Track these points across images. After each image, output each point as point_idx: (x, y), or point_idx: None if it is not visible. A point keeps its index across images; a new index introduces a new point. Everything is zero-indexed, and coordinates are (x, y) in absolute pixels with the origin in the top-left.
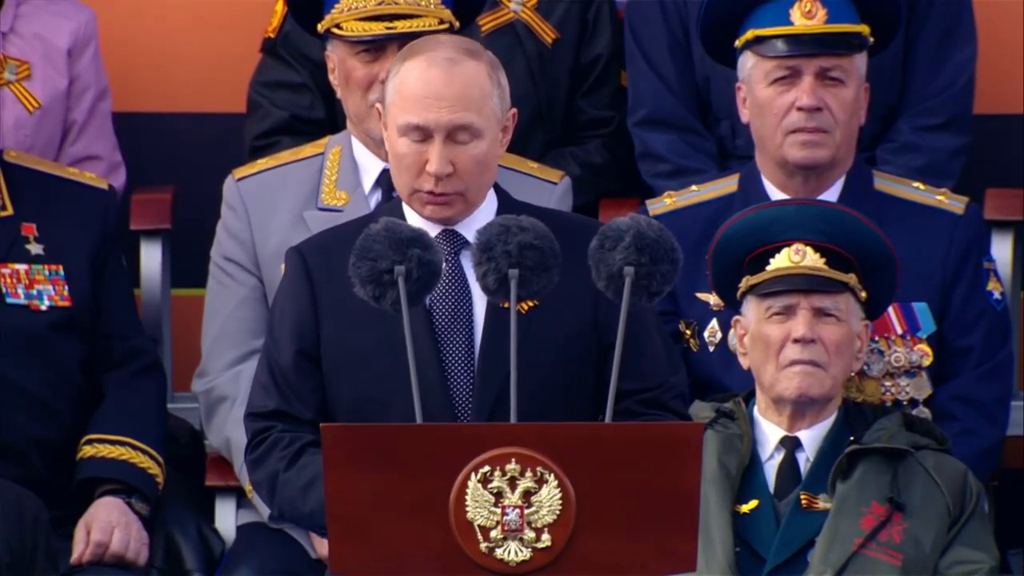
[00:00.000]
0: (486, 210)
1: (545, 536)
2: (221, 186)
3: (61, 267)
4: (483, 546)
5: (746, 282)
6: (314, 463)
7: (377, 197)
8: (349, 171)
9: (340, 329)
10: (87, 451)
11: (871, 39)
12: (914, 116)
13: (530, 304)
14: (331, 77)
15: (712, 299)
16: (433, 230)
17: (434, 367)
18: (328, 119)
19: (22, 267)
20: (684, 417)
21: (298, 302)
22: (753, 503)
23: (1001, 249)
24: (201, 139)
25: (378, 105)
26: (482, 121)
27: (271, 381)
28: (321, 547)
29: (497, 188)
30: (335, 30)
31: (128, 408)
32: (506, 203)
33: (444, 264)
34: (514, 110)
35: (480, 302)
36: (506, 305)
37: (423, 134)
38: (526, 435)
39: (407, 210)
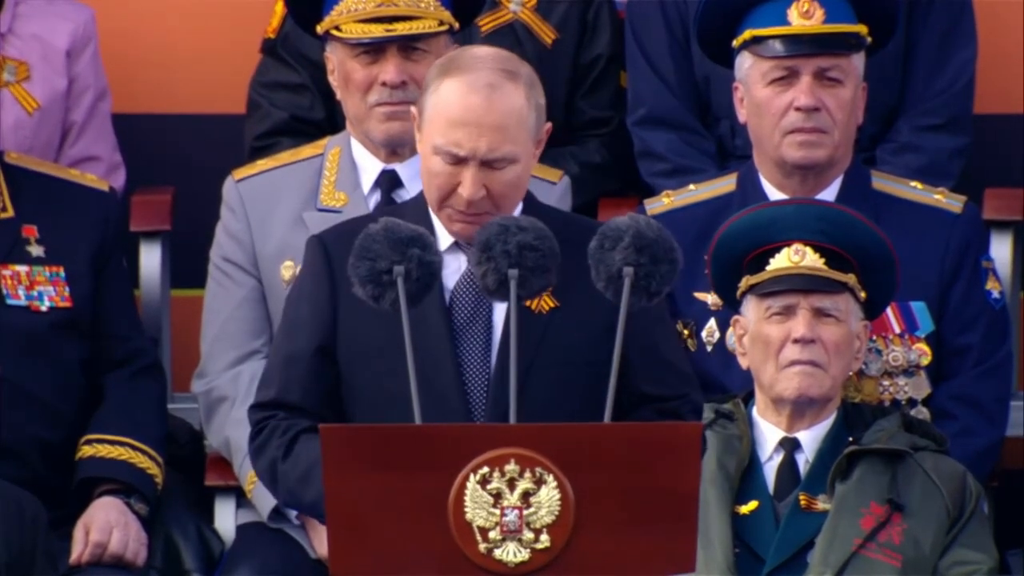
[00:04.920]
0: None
1: (544, 537)
2: (221, 187)
3: (62, 268)
4: (482, 547)
5: (746, 282)
6: (307, 451)
7: (376, 198)
8: (348, 172)
9: (358, 321)
10: (86, 451)
11: (868, 39)
12: (914, 116)
13: (551, 304)
14: (330, 78)
15: (710, 298)
16: None
17: (451, 364)
18: (328, 120)
19: (23, 268)
20: None
21: (317, 292)
22: (752, 504)
23: (1000, 249)
24: (201, 140)
25: (413, 109)
26: (518, 148)
27: (274, 369)
28: (321, 547)
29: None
30: (334, 32)
31: (128, 408)
32: (530, 206)
33: (465, 260)
34: (548, 124)
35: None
36: (530, 306)
37: (458, 160)
38: (525, 436)
39: None
